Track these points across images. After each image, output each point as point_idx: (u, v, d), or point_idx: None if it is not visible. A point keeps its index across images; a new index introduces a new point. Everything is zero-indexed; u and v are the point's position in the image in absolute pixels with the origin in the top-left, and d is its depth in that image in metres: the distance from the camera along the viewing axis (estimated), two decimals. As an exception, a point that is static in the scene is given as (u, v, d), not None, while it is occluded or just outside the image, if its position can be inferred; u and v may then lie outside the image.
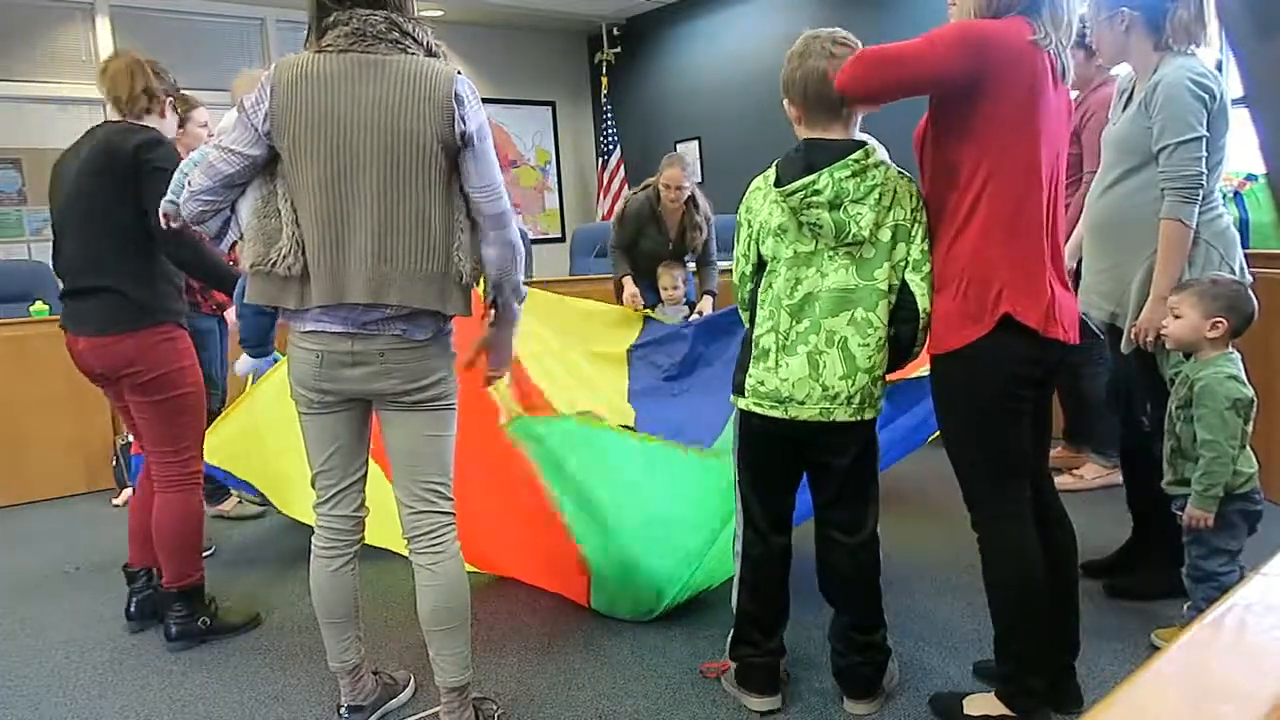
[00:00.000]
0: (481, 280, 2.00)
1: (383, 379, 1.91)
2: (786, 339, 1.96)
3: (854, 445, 2.03)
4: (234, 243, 1.99)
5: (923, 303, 1.94)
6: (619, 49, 8.37)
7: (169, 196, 2.29)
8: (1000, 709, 1.99)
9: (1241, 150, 2.24)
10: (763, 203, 2.03)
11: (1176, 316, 2.25)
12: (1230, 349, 2.27)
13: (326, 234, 1.83)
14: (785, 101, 2.02)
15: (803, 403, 1.95)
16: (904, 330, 1.97)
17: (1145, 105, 2.34)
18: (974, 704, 2.05)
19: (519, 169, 8.58)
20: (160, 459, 2.62)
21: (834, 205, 1.89)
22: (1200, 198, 2.29)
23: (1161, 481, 2.35)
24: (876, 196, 1.91)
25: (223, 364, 3.69)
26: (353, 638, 2.14)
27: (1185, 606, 2.34)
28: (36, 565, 3.47)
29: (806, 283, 1.95)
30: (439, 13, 7.63)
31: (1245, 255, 2.48)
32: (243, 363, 3.08)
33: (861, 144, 1.93)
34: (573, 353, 3.91)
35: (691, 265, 4.62)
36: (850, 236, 1.90)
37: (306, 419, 2.02)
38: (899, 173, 1.96)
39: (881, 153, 1.97)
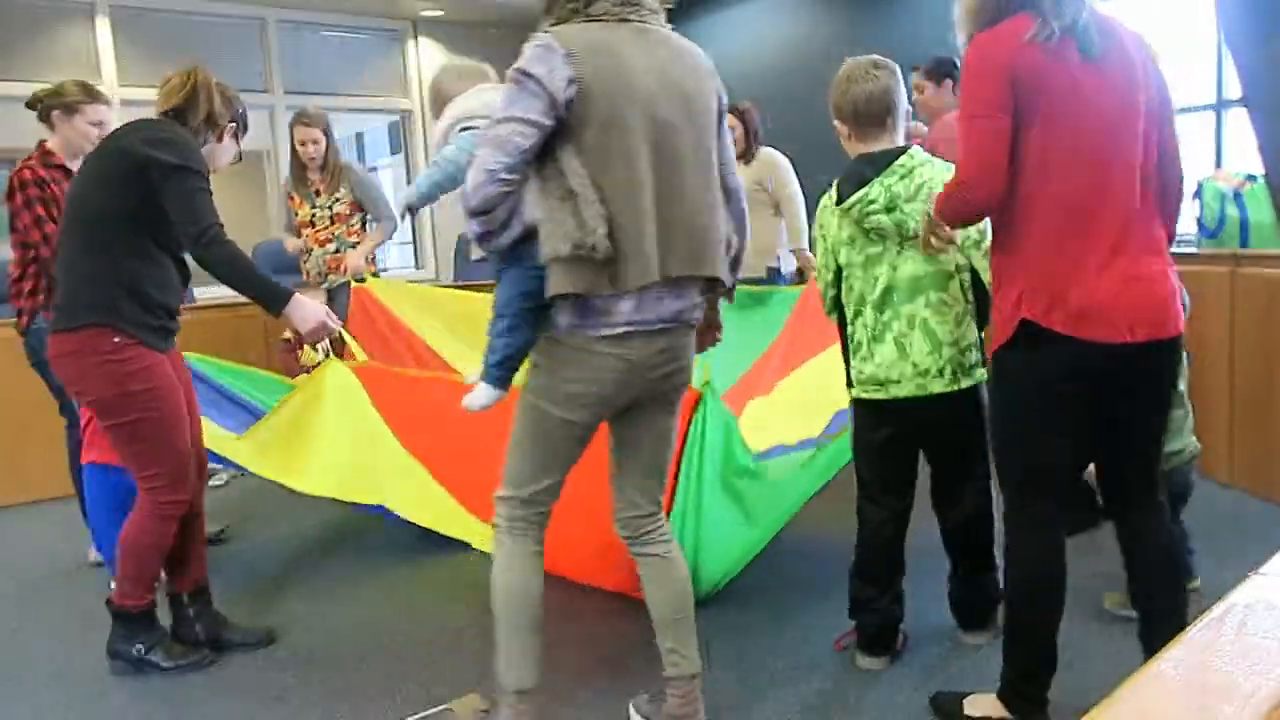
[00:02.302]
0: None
1: (681, 374, 1.91)
2: (874, 330, 2.21)
3: (957, 412, 2.25)
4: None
5: (985, 276, 2.12)
6: (619, 49, 8.35)
7: (418, 190, 1.93)
8: (1000, 711, 1.99)
9: (1241, 151, 2.25)
10: (831, 219, 2.27)
11: None
12: None
13: (647, 207, 1.73)
14: (837, 121, 2.27)
15: (898, 382, 2.19)
16: (983, 304, 2.19)
17: None
18: (974, 704, 2.06)
19: (519, 169, 8.58)
20: (138, 482, 2.43)
21: (889, 209, 2.13)
22: None
23: None
24: (925, 193, 2.10)
25: None
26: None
27: None
28: (37, 565, 3.47)
29: (883, 278, 2.19)
30: (439, 13, 7.64)
31: (1245, 255, 2.49)
32: (482, 394, 1.94)
33: (905, 149, 2.19)
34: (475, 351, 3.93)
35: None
36: (911, 231, 2.12)
37: (572, 441, 1.88)
38: (945, 166, 2.10)
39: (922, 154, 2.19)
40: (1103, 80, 1.78)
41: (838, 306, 2.32)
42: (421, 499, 3.11)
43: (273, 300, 2.39)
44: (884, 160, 2.16)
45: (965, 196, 1.82)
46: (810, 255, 4.21)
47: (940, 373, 2.17)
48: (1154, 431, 1.98)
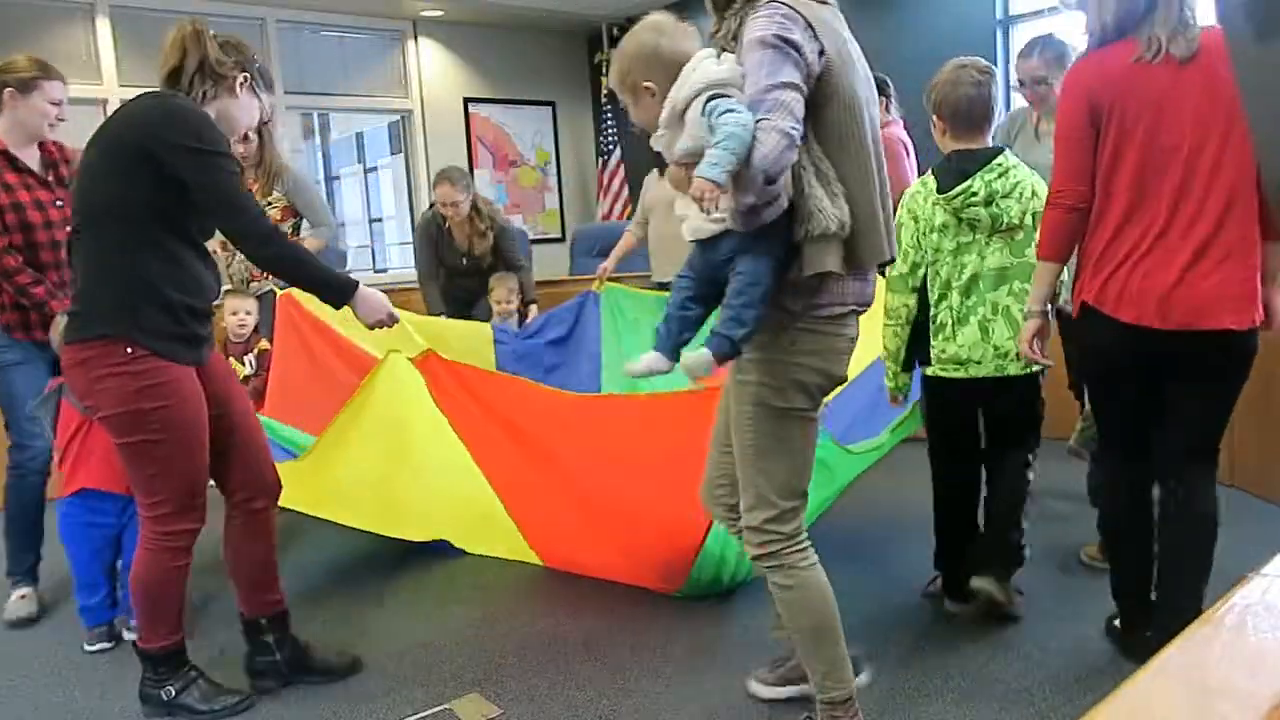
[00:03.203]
0: None
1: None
2: (959, 313, 2.40)
3: (1022, 393, 2.48)
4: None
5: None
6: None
7: (724, 168, 1.54)
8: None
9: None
10: (924, 205, 2.43)
11: None
12: None
13: (876, 187, 1.75)
14: (935, 117, 2.44)
15: (979, 362, 2.40)
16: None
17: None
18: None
19: (519, 169, 8.58)
20: (140, 508, 2.21)
21: (988, 202, 2.33)
22: None
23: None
24: (1019, 191, 2.35)
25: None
26: None
27: None
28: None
29: (970, 266, 2.38)
30: (439, 13, 7.63)
31: None
32: (704, 361, 1.73)
33: (1000, 150, 2.40)
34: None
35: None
36: (1003, 225, 2.35)
37: (813, 433, 1.86)
38: (1031, 171, 2.40)
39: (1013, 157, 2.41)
40: (1188, 84, 1.98)
41: (907, 287, 2.46)
42: (472, 513, 3.12)
43: (340, 293, 2.22)
44: (983, 158, 2.36)
45: (1054, 202, 2.13)
46: None
47: (1017, 357, 2.35)
48: (1203, 414, 2.17)
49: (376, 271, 8.54)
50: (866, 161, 1.74)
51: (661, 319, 1.83)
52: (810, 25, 1.67)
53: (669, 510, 2.59)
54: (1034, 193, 2.36)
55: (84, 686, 2.49)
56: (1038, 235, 2.24)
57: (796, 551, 1.85)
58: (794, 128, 1.59)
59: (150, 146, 2.04)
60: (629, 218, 6.02)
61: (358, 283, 2.24)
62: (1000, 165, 2.35)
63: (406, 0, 7.36)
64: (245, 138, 3.62)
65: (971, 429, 2.58)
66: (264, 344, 3.76)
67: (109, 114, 2.49)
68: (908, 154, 3.91)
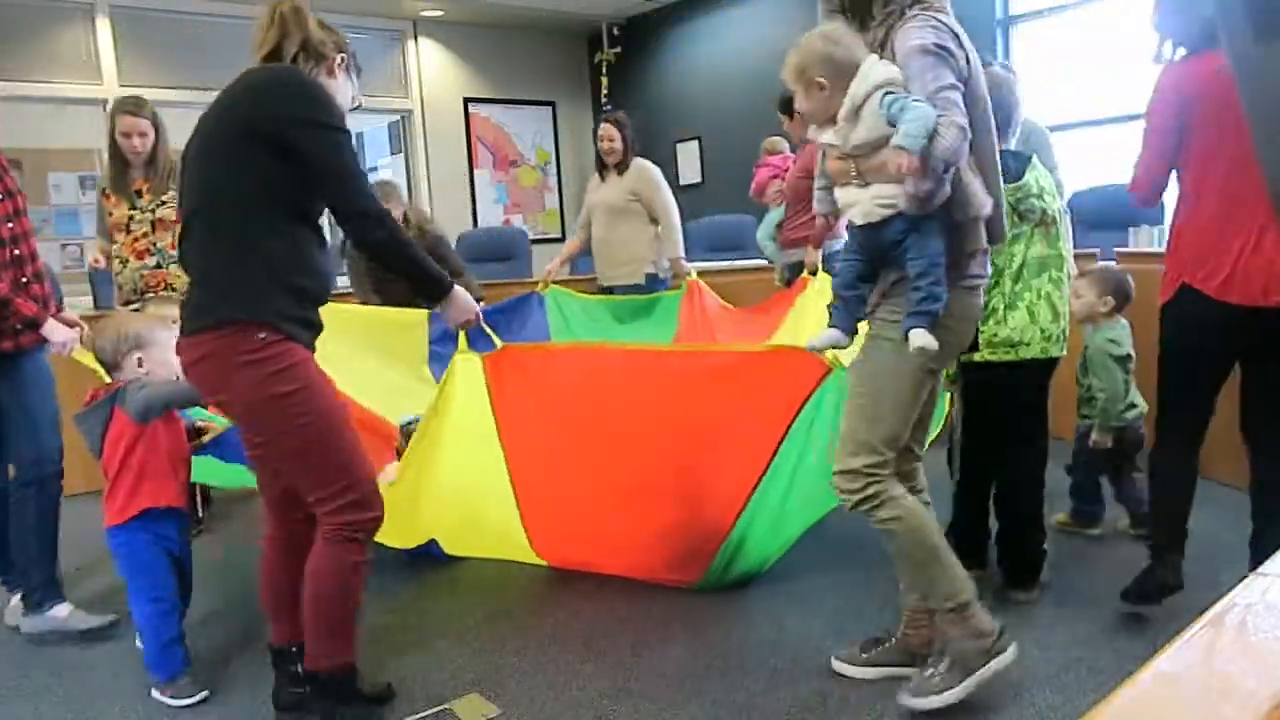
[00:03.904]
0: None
1: None
2: (1010, 299, 2.58)
3: (1050, 376, 2.69)
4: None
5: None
6: (619, 49, 8.37)
7: (920, 141, 1.76)
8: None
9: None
10: None
11: (1078, 297, 3.01)
12: (1118, 319, 3.07)
13: (998, 175, 2.09)
14: None
15: (1028, 344, 2.58)
16: None
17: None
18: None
19: (519, 169, 8.58)
20: (319, 505, 2.04)
21: (1038, 195, 2.54)
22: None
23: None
24: (1053, 188, 2.60)
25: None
26: None
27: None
28: None
29: (1019, 255, 2.57)
30: (439, 13, 7.64)
31: None
32: (926, 338, 1.94)
33: (1027, 152, 2.62)
34: (369, 361, 3.67)
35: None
36: (1048, 217, 2.56)
37: (930, 381, 2.10)
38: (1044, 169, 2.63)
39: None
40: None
41: None
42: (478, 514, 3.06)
43: (439, 288, 2.17)
44: (1022, 158, 2.56)
45: (1132, 191, 2.47)
46: (685, 263, 4.50)
47: (1059, 339, 2.61)
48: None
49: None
50: (993, 155, 2.07)
51: (832, 300, 2.10)
52: (956, 35, 1.94)
53: (715, 481, 2.65)
54: (1059, 191, 2.67)
55: (84, 687, 2.49)
56: (1063, 228, 2.63)
57: (892, 486, 2.04)
58: (966, 124, 1.83)
59: (274, 121, 1.93)
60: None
61: (453, 282, 2.20)
62: (1034, 165, 2.56)
63: (406, 0, 7.36)
64: (142, 133, 3.52)
65: (1011, 416, 2.70)
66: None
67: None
68: None
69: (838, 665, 2.32)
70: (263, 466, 2.15)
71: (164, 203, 3.59)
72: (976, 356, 2.62)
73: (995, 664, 2.06)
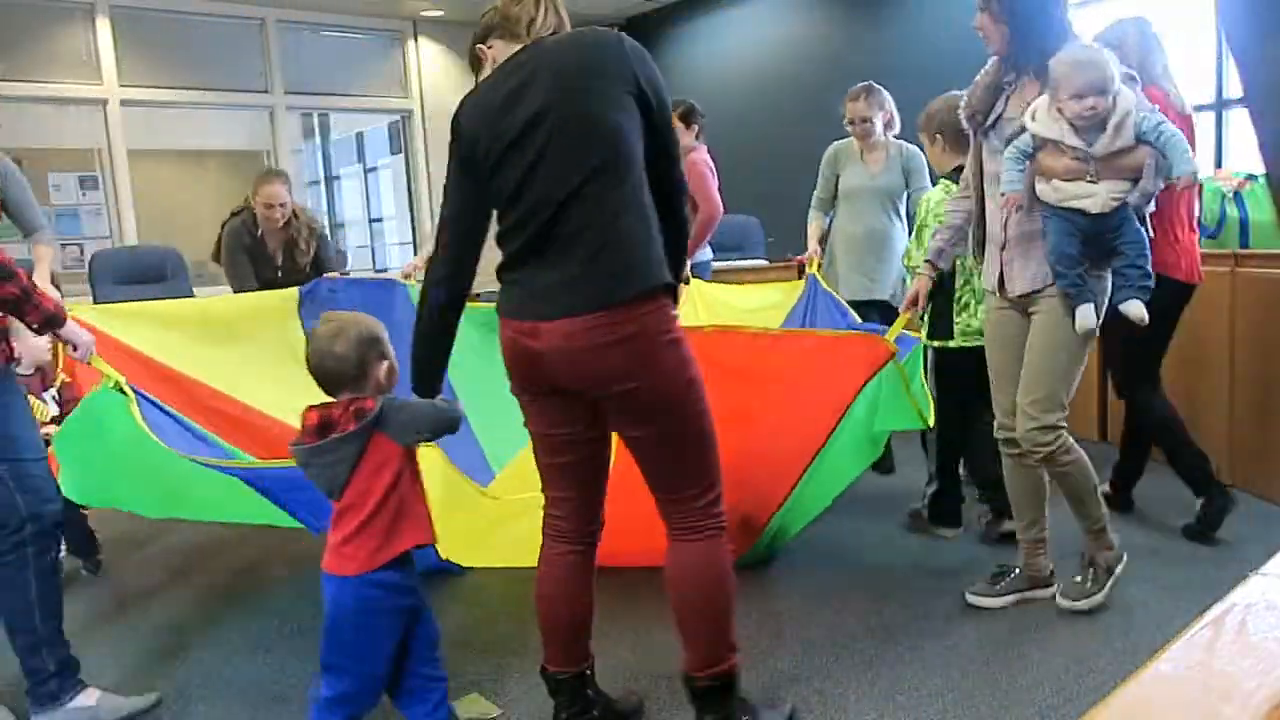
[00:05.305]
0: None
1: None
2: (978, 295, 2.89)
3: None
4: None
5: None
6: (619, 49, 8.34)
7: (1188, 154, 2.28)
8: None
9: (1242, 150, 2.34)
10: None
11: None
12: None
13: None
14: (939, 135, 3.05)
15: None
16: None
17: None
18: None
19: (519, 169, 8.58)
20: (669, 500, 1.91)
21: None
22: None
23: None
24: None
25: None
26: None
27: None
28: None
29: None
30: (439, 13, 7.63)
31: (1245, 255, 2.57)
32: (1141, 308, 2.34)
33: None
34: (231, 351, 3.30)
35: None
36: None
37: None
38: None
39: None
40: None
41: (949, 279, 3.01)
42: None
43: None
44: None
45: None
46: None
47: None
48: None
49: (377, 271, 8.55)
50: None
51: (1066, 281, 2.35)
52: None
53: (768, 463, 2.68)
54: None
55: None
56: None
57: (1067, 434, 2.46)
58: None
59: (649, 83, 1.83)
60: None
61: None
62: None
63: (406, 0, 7.36)
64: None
65: (976, 393, 2.93)
66: (63, 376, 3.04)
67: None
68: (712, 175, 4.11)
69: (975, 600, 2.64)
70: (636, 458, 1.91)
71: None
72: (951, 344, 3.00)
73: (1123, 564, 2.60)
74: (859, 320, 3.43)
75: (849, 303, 3.64)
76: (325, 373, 1.87)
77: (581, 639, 2.06)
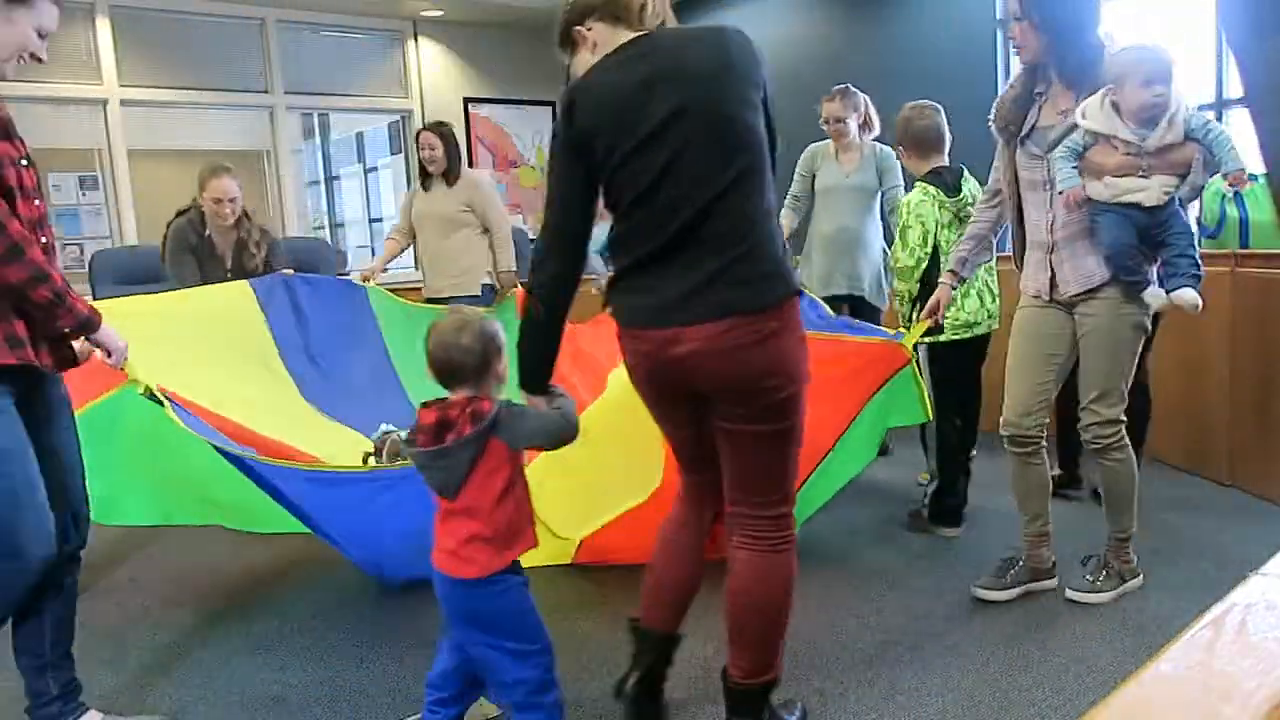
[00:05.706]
0: None
1: None
2: (964, 289, 3.06)
3: (986, 348, 3.23)
4: None
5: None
6: (619, 49, 8.34)
7: (1237, 153, 2.37)
8: None
9: (1242, 150, 2.35)
10: (932, 210, 3.11)
11: None
12: None
13: None
14: (901, 146, 3.27)
15: (979, 324, 3.17)
16: None
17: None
18: None
19: (519, 169, 8.58)
20: (747, 507, 1.89)
21: (972, 203, 3.01)
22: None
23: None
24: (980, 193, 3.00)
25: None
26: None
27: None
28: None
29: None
30: (439, 13, 7.63)
31: (1245, 255, 2.57)
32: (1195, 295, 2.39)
33: (960, 166, 3.18)
34: (200, 347, 3.24)
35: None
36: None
37: None
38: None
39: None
40: None
41: (913, 277, 3.12)
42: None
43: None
44: (957, 172, 3.16)
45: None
46: (513, 275, 4.45)
47: (995, 316, 3.19)
48: None
49: (377, 271, 8.53)
50: None
51: (1129, 272, 2.42)
52: None
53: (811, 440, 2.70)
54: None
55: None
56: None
57: (1125, 430, 2.58)
58: None
59: (764, 80, 1.82)
60: None
61: None
62: (967, 178, 3.14)
63: (406, 0, 7.36)
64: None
65: (965, 383, 3.24)
66: None
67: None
68: None
69: (983, 594, 2.67)
70: (735, 457, 1.90)
71: None
72: (942, 338, 3.11)
73: (1139, 579, 2.68)
74: (831, 314, 3.45)
75: (823, 298, 3.69)
76: (449, 364, 1.87)
77: (683, 605, 2.09)
